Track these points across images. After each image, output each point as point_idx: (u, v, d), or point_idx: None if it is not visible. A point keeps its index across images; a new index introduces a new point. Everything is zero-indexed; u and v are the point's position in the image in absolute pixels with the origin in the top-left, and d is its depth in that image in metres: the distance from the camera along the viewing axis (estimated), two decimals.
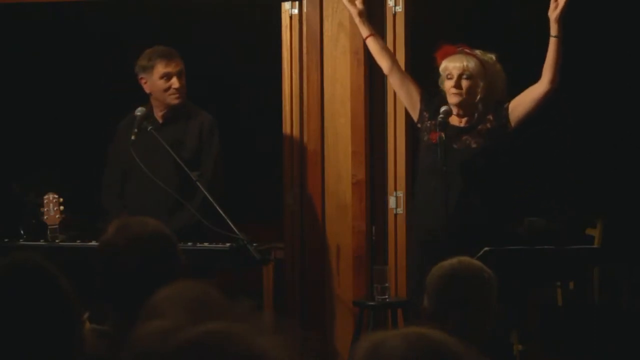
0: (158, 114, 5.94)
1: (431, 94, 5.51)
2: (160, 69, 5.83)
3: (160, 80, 5.84)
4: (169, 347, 1.56)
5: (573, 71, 5.86)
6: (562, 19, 5.22)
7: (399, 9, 5.96)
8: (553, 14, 5.25)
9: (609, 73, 6.45)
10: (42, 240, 5.62)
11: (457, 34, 5.65)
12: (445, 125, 5.33)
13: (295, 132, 6.13)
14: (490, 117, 5.44)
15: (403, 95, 5.56)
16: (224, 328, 1.58)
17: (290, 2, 6.12)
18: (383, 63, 5.60)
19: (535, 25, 5.29)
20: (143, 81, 5.90)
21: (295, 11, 6.11)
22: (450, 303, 3.40)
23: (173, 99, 5.85)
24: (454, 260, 3.49)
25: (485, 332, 3.42)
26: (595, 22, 6.37)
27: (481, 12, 6.65)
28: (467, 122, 5.44)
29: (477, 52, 5.44)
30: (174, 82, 5.82)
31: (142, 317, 2.18)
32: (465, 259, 3.55)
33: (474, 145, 5.41)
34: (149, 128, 5.74)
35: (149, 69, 5.87)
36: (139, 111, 5.84)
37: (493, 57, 5.44)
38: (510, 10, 6.48)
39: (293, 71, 6.13)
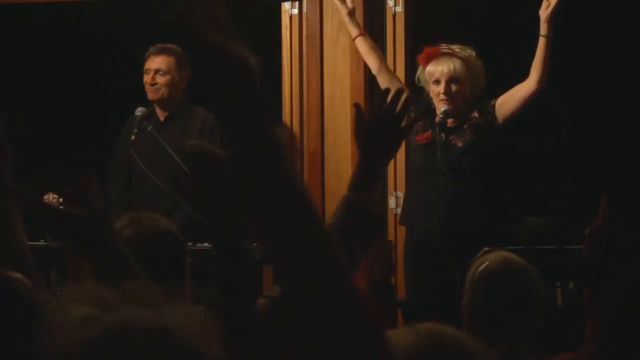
0: (159, 112, 5.99)
1: (417, 94, 5.50)
2: (146, 64, 5.94)
3: (144, 74, 5.95)
4: (89, 335, 1.46)
5: (566, 65, 5.85)
6: (553, 18, 5.21)
7: (399, 9, 5.96)
8: (544, 13, 5.23)
9: (603, 67, 6.44)
10: (42, 240, 5.62)
11: (457, 34, 5.64)
12: (444, 125, 5.32)
13: (295, 132, 6.13)
14: (476, 114, 5.43)
15: None
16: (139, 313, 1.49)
17: (290, 2, 6.12)
18: (372, 63, 5.59)
19: (535, 26, 5.28)
20: None
21: (295, 11, 6.11)
22: (496, 301, 3.14)
23: (150, 95, 5.94)
24: (498, 256, 3.26)
25: (532, 330, 3.17)
26: (592, 16, 6.36)
27: (481, 12, 6.64)
28: (452, 122, 5.44)
29: (456, 48, 5.39)
30: (148, 78, 5.91)
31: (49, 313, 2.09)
32: (510, 255, 3.30)
33: (459, 144, 5.40)
34: (149, 128, 5.76)
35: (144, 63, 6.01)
36: (139, 111, 5.87)
37: (473, 52, 5.41)
38: (510, 10, 6.46)
39: (293, 71, 6.14)
